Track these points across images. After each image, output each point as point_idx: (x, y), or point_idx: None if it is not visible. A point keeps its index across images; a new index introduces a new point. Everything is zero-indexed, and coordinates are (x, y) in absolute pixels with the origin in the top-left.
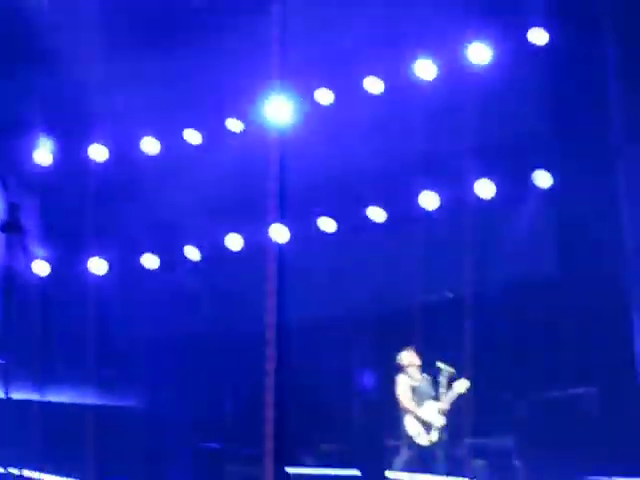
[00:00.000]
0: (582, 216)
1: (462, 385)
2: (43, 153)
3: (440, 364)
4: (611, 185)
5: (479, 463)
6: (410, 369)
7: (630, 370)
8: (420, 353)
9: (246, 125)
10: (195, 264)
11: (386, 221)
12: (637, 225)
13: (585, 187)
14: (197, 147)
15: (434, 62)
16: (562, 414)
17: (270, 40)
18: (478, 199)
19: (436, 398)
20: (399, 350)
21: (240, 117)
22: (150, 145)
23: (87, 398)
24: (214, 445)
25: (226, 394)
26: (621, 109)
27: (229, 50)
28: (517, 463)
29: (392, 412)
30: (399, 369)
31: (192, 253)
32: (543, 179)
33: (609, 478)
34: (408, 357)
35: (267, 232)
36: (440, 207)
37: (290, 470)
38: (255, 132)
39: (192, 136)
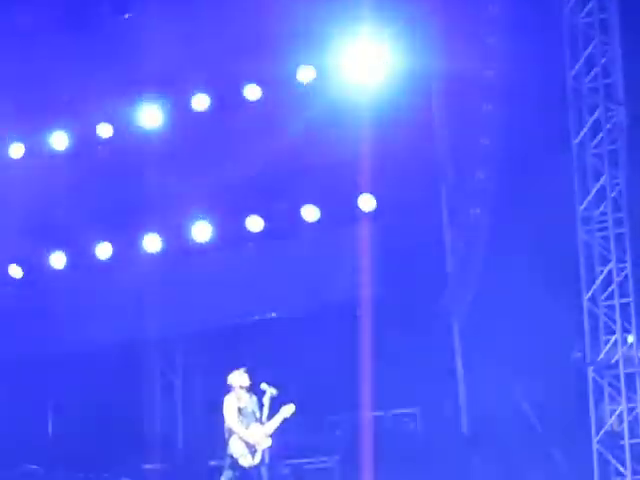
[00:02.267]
0: (405, 235)
1: (288, 409)
2: None
3: (264, 385)
4: (433, 205)
5: None
6: (238, 390)
7: (452, 392)
8: (250, 374)
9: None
10: None
11: (213, 242)
12: (458, 246)
13: (408, 207)
14: None
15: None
16: (385, 433)
17: None
18: (304, 221)
19: (260, 420)
20: (228, 370)
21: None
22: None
23: None
24: (35, 467)
25: (49, 415)
26: (445, 131)
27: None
28: None
29: (218, 433)
30: (228, 389)
31: None
32: (367, 203)
33: None
34: (237, 378)
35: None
36: (267, 229)
37: None
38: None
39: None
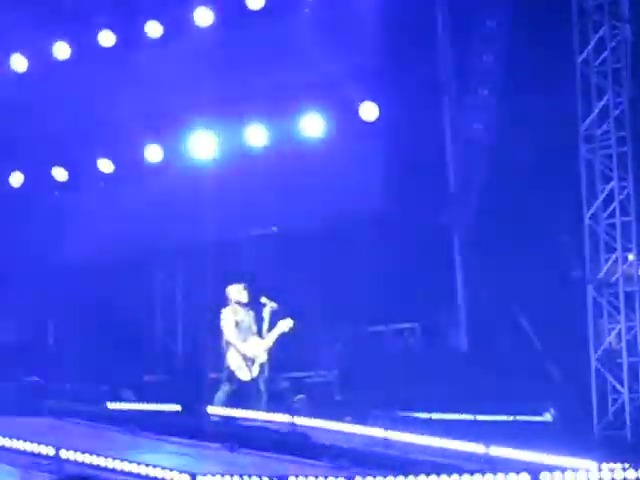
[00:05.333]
0: (408, 150)
1: (286, 324)
2: None
3: (264, 299)
4: (436, 120)
5: (300, 398)
6: (235, 304)
7: (451, 307)
8: (247, 288)
9: None
10: None
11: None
12: (460, 161)
13: (411, 121)
14: None
15: None
16: (384, 349)
17: None
18: (304, 134)
19: (260, 333)
20: (226, 284)
21: None
22: None
23: None
24: (36, 379)
25: (49, 325)
26: (448, 45)
27: None
28: (338, 397)
29: (215, 345)
30: (225, 303)
31: None
32: (370, 111)
33: (428, 413)
34: (234, 292)
35: None
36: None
37: (110, 405)
38: None
39: None
